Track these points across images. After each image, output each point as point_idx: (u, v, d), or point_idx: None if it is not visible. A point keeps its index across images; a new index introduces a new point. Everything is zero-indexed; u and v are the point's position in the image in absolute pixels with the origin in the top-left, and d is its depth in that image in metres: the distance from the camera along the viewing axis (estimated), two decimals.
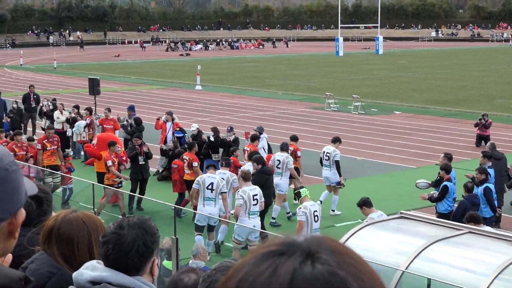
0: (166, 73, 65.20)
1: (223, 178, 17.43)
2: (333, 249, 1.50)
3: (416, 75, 62.35)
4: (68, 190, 20.55)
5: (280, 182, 19.56)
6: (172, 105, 40.22)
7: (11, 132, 25.21)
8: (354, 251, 1.53)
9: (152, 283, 3.66)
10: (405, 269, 10.43)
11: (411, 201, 20.51)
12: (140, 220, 3.69)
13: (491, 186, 17.07)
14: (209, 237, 16.75)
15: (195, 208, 17.52)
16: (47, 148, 21.51)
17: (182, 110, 38.69)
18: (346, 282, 1.45)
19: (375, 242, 11.83)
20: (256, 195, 16.00)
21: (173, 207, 16.36)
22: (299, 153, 21.35)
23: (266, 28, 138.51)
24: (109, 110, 27.10)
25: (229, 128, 23.86)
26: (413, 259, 10.60)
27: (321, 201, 19.94)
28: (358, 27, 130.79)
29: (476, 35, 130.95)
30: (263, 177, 17.52)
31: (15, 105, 30.17)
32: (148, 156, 21.01)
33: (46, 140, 21.66)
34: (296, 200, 16.63)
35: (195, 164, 19.87)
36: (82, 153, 26.00)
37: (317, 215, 15.27)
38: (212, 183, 16.95)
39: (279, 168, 19.75)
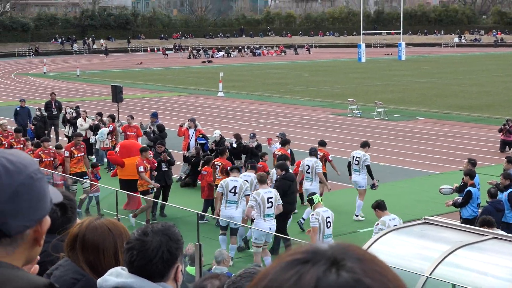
0: (189, 80, 65.36)
1: (247, 181, 17.53)
2: (359, 256, 1.50)
3: (439, 81, 62.10)
4: (94, 198, 20.56)
5: (311, 187, 19.62)
6: (195, 112, 40.31)
7: (35, 139, 25.38)
8: (380, 259, 1.53)
9: None
10: (430, 274, 10.38)
11: (435, 206, 20.43)
12: (164, 226, 3.70)
13: None
14: (232, 241, 16.79)
15: (218, 215, 17.60)
16: (75, 156, 21.48)
17: (205, 117, 38.77)
18: None
19: (399, 248, 11.78)
20: (271, 198, 16.06)
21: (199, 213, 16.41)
22: (330, 157, 21.63)
23: (288, 35, 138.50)
24: (132, 117, 27.20)
25: (251, 134, 23.88)
26: (438, 265, 10.55)
27: (356, 215, 20.07)
28: (380, 33, 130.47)
29: (499, 41, 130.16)
30: (286, 183, 17.51)
31: (38, 113, 30.35)
32: (171, 162, 21.09)
33: (73, 148, 21.64)
34: (302, 203, 16.64)
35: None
36: (105, 160, 26.09)
37: (329, 221, 15.31)
38: (235, 186, 17.08)
39: (309, 173, 19.85)
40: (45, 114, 31.01)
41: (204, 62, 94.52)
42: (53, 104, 32.09)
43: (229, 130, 31.73)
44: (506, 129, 29.35)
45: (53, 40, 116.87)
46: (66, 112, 30.20)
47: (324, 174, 20.72)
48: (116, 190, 17.83)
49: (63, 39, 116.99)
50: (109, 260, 4.04)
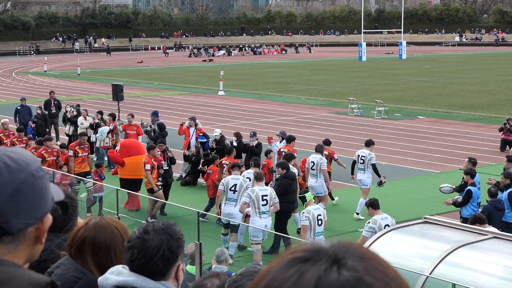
0: (189, 79, 65.33)
1: (249, 178, 17.60)
2: (360, 254, 1.50)
3: (440, 80, 62.06)
4: (97, 198, 20.47)
5: (316, 184, 19.72)
6: (195, 111, 40.28)
7: (36, 137, 25.35)
8: (381, 257, 1.53)
9: None
10: (430, 274, 10.38)
11: (435, 205, 20.43)
12: (165, 225, 3.70)
13: None
14: (232, 239, 16.87)
15: (218, 213, 17.69)
16: (79, 155, 21.34)
17: (205, 116, 38.75)
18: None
19: (399, 247, 11.78)
20: (266, 195, 16.14)
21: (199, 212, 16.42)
22: (336, 156, 21.85)
23: (289, 33, 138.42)
24: (132, 116, 27.20)
25: (252, 133, 23.87)
26: (438, 264, 10.55)
27: (357, 213, 20.05)
28: (381, 32, 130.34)
29: (500, 40, 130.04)
30: (287, 182, 17.53)
31: (39, 111, 30.33)
32: (172, 161, 21.09)
33: (78, 147, 21.51)
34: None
35: None
36: (106, 158, 26.09)
37: (320, 219, 15.40)
38: (235, 185, 17.23)
39: (314, 169, 19.90)
40: (46, 112, 30.99)
41: (204, 60, 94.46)
42: (52, 102, 32.07)
43: (230, 128, 31.72)
44: (506, 128, 29.35)
45: (54, 38, 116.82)
46: (66, 111, 30.19)
47: (329, 173, 20.81)
48: (117, 189, 17.83)
49: (65, 37, 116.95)
50: (120, 259, 4.03)
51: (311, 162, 20.07)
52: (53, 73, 72.82)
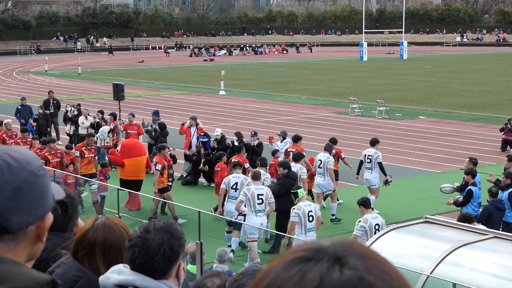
0: (190, 79, 65.32)
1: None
2: (361, 254, 1.50)
3: (441, 80, 62.05)
4: (100, 197, 20.38)
5: (324, 182, 19.85)
6: (196, 110, 40.28)
7: (35, 134, 25.31)
8: (382, 256, 1.53)
9: (178, 287, 3.67)
10: (430, 273, 10.38)
11: (435, 205, 20.44)
12: (166, 224, 3.71)
13: None
14: (234, 234, 16.98)
15: (220, 213, 17.75)
16: (85, 156, 21.11)
17: (206, 115, 38.75)
18: (375, 287, 1.45)
19: (399, 247, 11.79)
20: (261, 194, 16.23)
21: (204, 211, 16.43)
22: (343, 155, 22.07)
23: (290, 33, 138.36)
24: (133, 115, 27.20)
25: (252, 133, 23.86)
26: (438, 264, 10.55)
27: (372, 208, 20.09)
28: (382, 32, 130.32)
29: (501, 40, 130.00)
30: (288, 182, 17.54)
31: (40, 111, 30.32)
32: (174, 160, 21.12)
33: (84, 148, 21.30)
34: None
35: (247, 165, 19.98)
36: (107, 158, 26.08)
37: (311, 215, 15.44)
38: (236, 183, 17.34)
39: (321, 168, 19.98)
40: (47, 112, 30.97)
41: (205, 60, 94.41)
42: (51, 102, 32.05)
43: (231, 128, 31.72)
44: (507, 128, 29.35)
45: (55, 38, 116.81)
46: (67, 110, 30.18)
47: (336, 172, 20.89)
48: (118, 188, 17.83)
49: (66, 37, 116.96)
50: None
51: (319, 160, 20.23)
52: (54, 73, 72.80)
